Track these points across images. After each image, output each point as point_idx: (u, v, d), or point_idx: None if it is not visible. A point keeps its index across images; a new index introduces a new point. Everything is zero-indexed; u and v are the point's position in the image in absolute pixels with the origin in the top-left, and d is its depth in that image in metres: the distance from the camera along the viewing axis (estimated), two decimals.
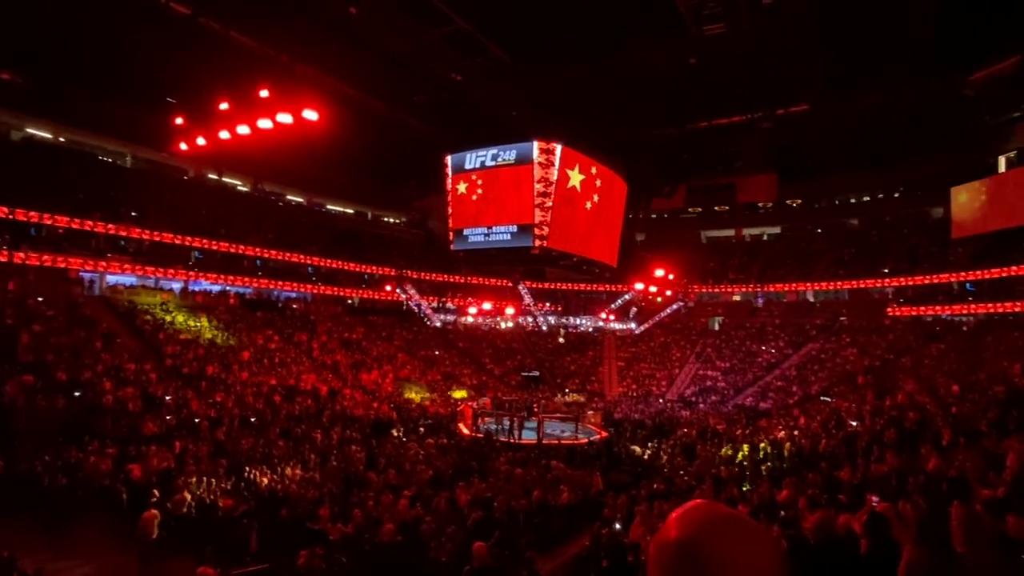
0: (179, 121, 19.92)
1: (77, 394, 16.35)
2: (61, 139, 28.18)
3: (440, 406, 26.05)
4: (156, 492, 10.95)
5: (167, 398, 18.13)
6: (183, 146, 20.99)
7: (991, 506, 4.58)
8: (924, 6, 19.86)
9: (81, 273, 24.17)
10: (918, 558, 2.82)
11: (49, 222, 22.80)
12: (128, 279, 26.03)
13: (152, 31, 21.20)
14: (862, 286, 33.28)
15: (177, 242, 27.06)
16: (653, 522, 8.86)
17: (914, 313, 30.62)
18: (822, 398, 25.36)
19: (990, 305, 27.75)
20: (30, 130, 26.98)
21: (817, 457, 14.69)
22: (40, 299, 21.06)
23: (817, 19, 20.94)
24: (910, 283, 31.33)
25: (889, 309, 31.45)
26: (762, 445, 17.19)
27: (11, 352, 16.94)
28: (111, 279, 25.50)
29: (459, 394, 28.04)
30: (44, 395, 15.47)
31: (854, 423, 18.33)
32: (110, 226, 24.68)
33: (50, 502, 10.67)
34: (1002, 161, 30.03)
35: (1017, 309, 26.71)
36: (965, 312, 29.10)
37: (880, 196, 37.97)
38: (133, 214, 26.11)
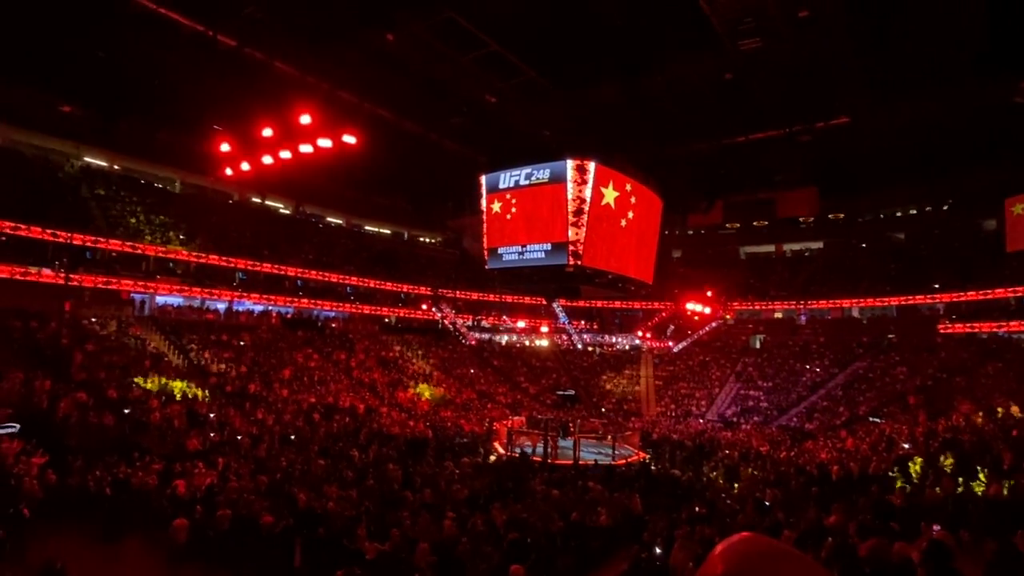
0: (225, 147, 20.69)
1: (127, 411, 16.92)
2: (115, 167, 29.68)
3: (475, 424, 26.02)
4: (200, 508, 11.18)
5: (211, 415, 18.61)
6: (228, 171, 21.78)
7: None
8: (971, 11, 19.28)
9: (132, 294, 25.20)
10: None
11: (104, 246, 23.93)
12: (176, 300, 27.00)
13: (200, 63, 22.21)
14: (911, 302, 32.33)
15: (222, 264, 28.02)
16: (694, 547, 8.59)
17: (967, 330, 29.58)
18: (871, 419, 24.50)
19: None
20: (88, 159, 28.50)
21: (867, 480, 14.11)
22: (93, 319, 22.00)
23: (856, 29, 20.55)
24: (962, 299, 30.32)
25: (940, 326, 30.42)
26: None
27: (66, 370, 17.69)
28: (160, 300, 26.51)
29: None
30: (95, 412, 16.06)
31: (906, 445, 17.61)
32: (159, 249, 25.75)
33: (100, 515, 10.99)
34: None
35: None
36: (1023, 329, 27.84)
37: (928, 209, 36.96)
38: (181, 237, 27.17)
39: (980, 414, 19.25)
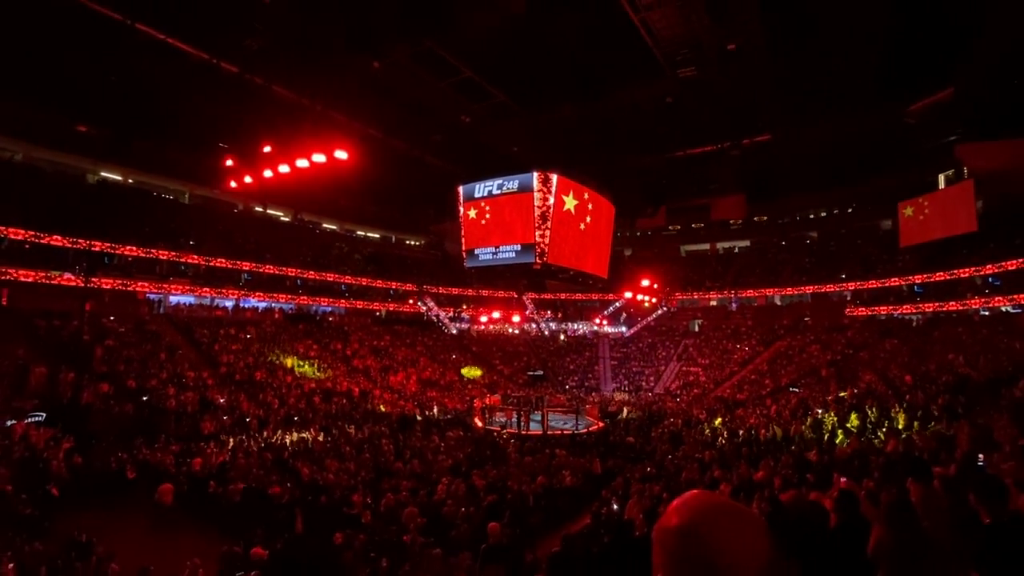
0: (229, 163, 20.13)
1: (145, 399, 16.40)
2: (130, 180, 28.59)
3: (458, 402, 25.94)
4: (213, 483, 10.93)
5: (221, 400, 18.16)
6: (233, 184, 21.19)
7: (945, 483, 4.48)
8: (869, 46, 19.88)
9: (147, 295, 24.38)
10: (887, 537, 2.74)
11: (120, 252, 23.06)
12: (188, 299, 26.21)
13: (205, 87, 21.52)
14: (823, 290, 33.10)
15: (229, 266, 27.28)
16: (645, 501, 8.75)
17: (869, 313, 30.40)
18: (791, 389, 25.07)
19: (935, 304, 27.52)
20: (104, 173, 27.39)
21: (788, 441, 14.53)
22: (112, 318, 21.22)
23: (774, 60, 20.98)
24: (865, 287, 31.15)
25: (847, 310, 31.24)
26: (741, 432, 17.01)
27: (88, 364, 17.05)
28: (173, 299, 25.71)
29: (473, 372, 27.58)
30: (116, 400, 15.53)
31: (819, 411, 18.12)
32: (172, 254, 24.93)
33: (124, 493, 10.66)
34: (941, 179, 29.89)
35: (959, 307, 26.47)
36: (914, 311, 28.86)
37: (836, 211, 37.79)
38: (191, 243, 26.36)
39: (880, 383, 19.93)
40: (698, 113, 25.77)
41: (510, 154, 29.97)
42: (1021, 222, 25.06)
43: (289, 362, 23.42)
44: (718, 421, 20.40)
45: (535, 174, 25.60)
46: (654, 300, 36.12)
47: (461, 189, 29.21)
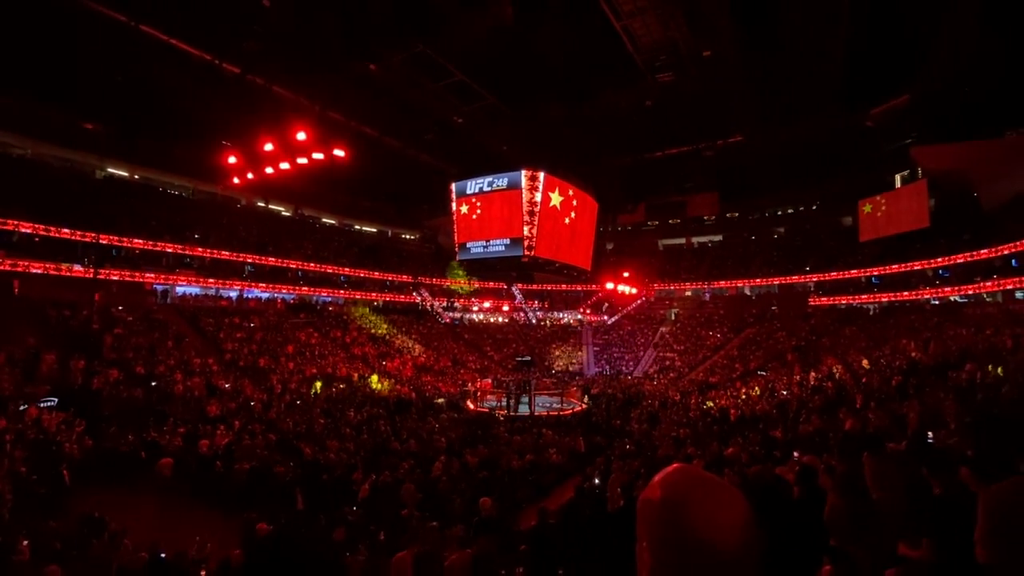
0: (232, 160, 19.80)
1: (154, 384, 16.19)
2: (136, 176, 27.97)
3: (451, 386, 25.95)
4: (219, 463, 10.86)
5: (226, 385, 17.99)
6: (236, 180, 20.87)
7: (897, 457, 4.59)
8: (833, 55, 20.02)
9: (155, 285, 23.96)
10: (839, 505, 2.81)
11: (128, 244, 22.62)
12: (194, 290, 25.83)
13: (208, 87, 21.09)
14: (788, 282, 33.44)
15: (233, 259, 26.90)
16: (625, 476, 8.84)
17: (830, 302, 30.79)
18: (759, 372, 25.36)
19: (891, 295, 27.99)
20: (110, 170, 26.75)
21: (756, 420, 14.75)
22: (120, 307, 20.85)
23: (747, 68, 21.07)
24: (827, 278, 31.50)
25: (811, 299, 31.61)
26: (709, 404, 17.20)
27: (98, 351, 16.76)
28: (180, 290, 25.30)
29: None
30: (126, 386, 15.31)
31: (784, 392, 18.39)
32: (177, 247, 24.51)
33: (135, 473, 10.54)
34: (898, 179, 30.28)
35: (912, 297, 26.97)
36: (871, 300, 29.30)
37: (801, 208, 38.14)
38: (196, 236, 25.93)
39: (840, 366, 20.27)
40: (675, 116, 25.87)
41: (500, 153, 29.85)
42: (968, 219, 25.53)
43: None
44: (710, 403, 20.43)
45: (523, 172, 25.55)
46: (634, 291, 36.34)
47: (454, 186, 29.06)
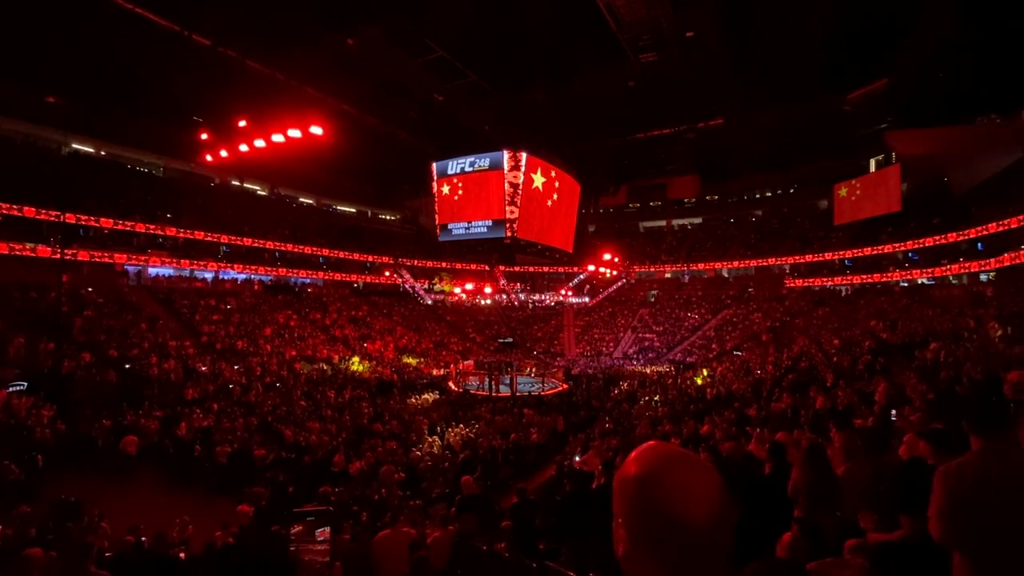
0: (204, 136, 19.11)
1: (127, 367, 15.84)
2: (103, 153, 26.84)
3: (433, 368, 26.01)
4: (199, 447, 10.77)
5: (203, 368, 17.70)
6: (208, 158, 20.16)
7: (863, 432, 4.79)
8: (813, 39, 20.12)
9: (126, 266, 23.25)
10: (802, 477, 2.95)
11: (95, 224, 21.83)
12: (167, 271, 25.15)
13: (179, 59, 20.19)
14: (765, 264, 34.06)
15: (207, 239, 26.21)
16: (605, 454, 9.06)
17: (805, 284, 31.46)
18: (735, 352, 25.92)
19: (863, 277, 28.77)
20: (76, 145, 25.60)
21: (732, 398, 15.17)
22: (90, 289, 20.21)
23: (729, 50, 21.07)
24: (802, 261, 32.16)
25: (786, 281, 32.26)
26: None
27: (67, 334, 16.27)
28: (152, 271, 24.61)
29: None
30: (98, 369, 14.94)
31: (759, 372, 18.91)
32: (150, 226, 23.76)
33: (106, 457, 10.37)
34: (872, 163, 30.86)
35: (882, 279, 27.79)
36: (843, 283, 30.05)
37: (779, 192, 38.62)
38: (168, 216, 25.14)
39: (812, 346, 20.87)
40: (657, 98, 25.81)
41: (482, 133, 29.45)
42: (939, 204, 26.26)
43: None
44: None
45: (505, 153, 25.29)
46: (615, 272, 36.66)
47: (435, 166, 28.65)
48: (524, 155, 25.36)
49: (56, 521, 5.84)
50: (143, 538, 5.73)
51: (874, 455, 3.68)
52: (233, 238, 27.32)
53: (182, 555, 5.73)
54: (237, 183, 32.42)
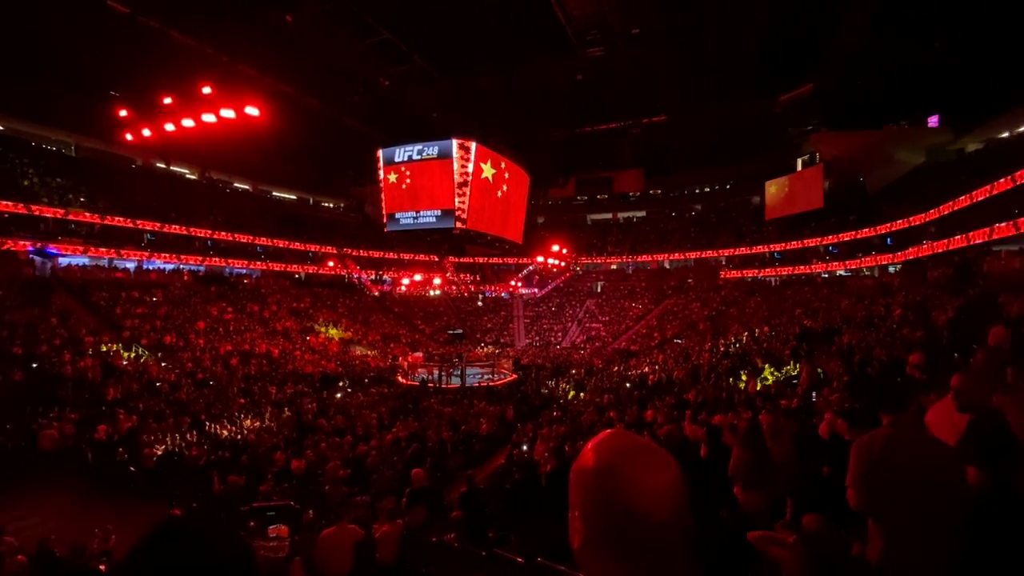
0: (123, 113, 17.57)
1: (35, 366, 14.42)
2: (2, 128, 24.03)
3: (380, 360, 25.47)
4: (122, 450, 10.02)
5: (124, 363, 16.41)
6: (128, 137, 18.57)
7: (788, 413, 5.16)
8: (748, 43, 21.16)
9: (31, 254, 21.03)
10: (741, 456, 3.14)
11: None
12: (82, 260, 23.00)
13: (93, 27, 18.34)
14: (703, 256, 35.62)
15: (128, 225, 24.20)
16: (552, 442, 9.24)
17: (739, 275, 33.19)
18: (675, 340, 26.96)
19: (790, 268, 30.82)
20: None
21: (672, 384, 15.88)
22: None
23: (672, 49, 21.76)
24: (737, 253, 33.90)
25: (722, 273, 33.92)
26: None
27: None
28: (63, 260, 22.39)
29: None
30: (1, 369, 13.50)
31: (695, 359, 19.82)
32: (57, 211, 21.60)
33: (10, 466, 9.42)
34: (799, 162, 33.00)
35: (807, 271, 29.91)
36: (773, 274, 32.02)
37: (716, 187, 40.37)
38: (82, 200, 22.96)
39: (745, 334, 22.17)
40: (604, 92, 26.30)
41: (430, 120, 28.86)
42: (855, 202, 28.55)
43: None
44: (615, 369, 21.60)
45: (455, 141, 24.91)
46: (563, 264, 37.25)
47: (381, 153, 27.78)
48: (474, 144, 25.10)
49: None
50: (54, 551, 5.27)
51: (801, 433, 3.99)
52: (157, 224, 25.39)
53: (103, 567, 5.32)
54: (162, 165, 30.09)
